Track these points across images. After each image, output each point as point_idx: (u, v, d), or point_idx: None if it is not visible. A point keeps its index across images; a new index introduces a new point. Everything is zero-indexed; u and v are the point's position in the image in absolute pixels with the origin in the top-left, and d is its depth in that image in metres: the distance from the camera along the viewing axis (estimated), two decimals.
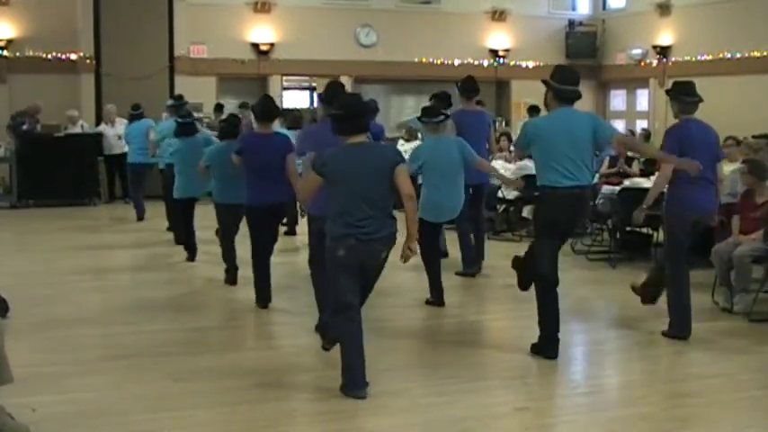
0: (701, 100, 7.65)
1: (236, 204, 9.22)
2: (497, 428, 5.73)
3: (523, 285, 7.42)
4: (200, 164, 9.71)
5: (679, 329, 7.66)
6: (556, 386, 6.65)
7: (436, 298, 8.81)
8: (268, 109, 8.66)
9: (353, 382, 6.07)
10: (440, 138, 8.90)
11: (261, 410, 5.98)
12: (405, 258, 6.11)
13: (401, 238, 6.16)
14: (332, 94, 7.24)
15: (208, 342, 7.69)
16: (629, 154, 15.92)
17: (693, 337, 7.65)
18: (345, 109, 6.09)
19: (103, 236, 14.09)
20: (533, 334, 7.10)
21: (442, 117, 8.90)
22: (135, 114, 15.39)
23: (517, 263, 7.47)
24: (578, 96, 7.01)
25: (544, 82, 7.03)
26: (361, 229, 5.92)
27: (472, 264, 10.39)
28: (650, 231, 11.67)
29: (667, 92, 7.82)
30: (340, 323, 6.13)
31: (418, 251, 6.41)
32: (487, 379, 6.68)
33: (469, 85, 10.76)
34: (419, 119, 9.20)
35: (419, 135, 14.57)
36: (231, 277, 9.81)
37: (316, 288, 7.58)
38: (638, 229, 11.52)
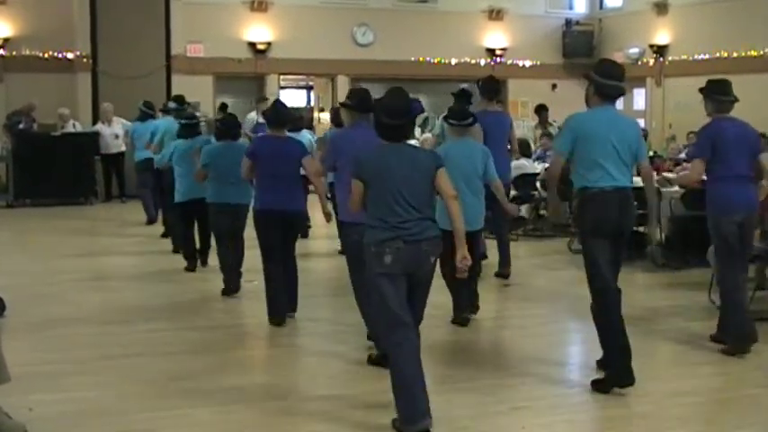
0: (736, 99, 7.39)
1: (230, 204, 9.20)
2: (495, 427, 5.72)
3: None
4: (198, 166, 9.48)
5: (742, 341, 7.22)
6: (553, 385, 6.63)
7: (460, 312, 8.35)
8: (279, 115, 8.46)
9: (414, 411, 5.43)
10: (464, 141, 8.38)
11: (259, 410, 5.98)
12: (461, 270, 5.68)
13: None
14: (360, 100, 7.12)
15: (206, 342, 7.67)
16: None
17: (690, 335, 7.65)
18: (397, 118, 5.70)
19: (101, 235, 14.09)
20: (531, 333, 7.10)
21: (471, 120, 8.40)
22: (148, 113, 14.80)
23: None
24: (623, 92, 6.54)
25: (586, 75, 6.55)
26: (407, 230, 5.48)
27: (509, 264, 10.29)
28: (646, 230, 11.66)
29: (701, 90, 7.46)
30: (395, 342, 5.51)
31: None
32: (485, 378, 6.67)
33: (491, 86, 10.47)
34: (446, 120, 8.65)
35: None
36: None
37: (359, 302, 7.15)
38: (634, 228, 11.50)
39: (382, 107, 5.76)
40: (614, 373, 6.33)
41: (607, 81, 6.42)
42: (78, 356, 7.17)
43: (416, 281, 5.60)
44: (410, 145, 6.04)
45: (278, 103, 8.86)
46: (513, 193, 13.22)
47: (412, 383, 5.42)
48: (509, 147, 10.76)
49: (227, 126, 9.72)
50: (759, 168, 7.54)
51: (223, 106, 18.23)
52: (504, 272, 10.26)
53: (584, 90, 6.61)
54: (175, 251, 11.87)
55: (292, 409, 6.08)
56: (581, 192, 6.39)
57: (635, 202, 6.55)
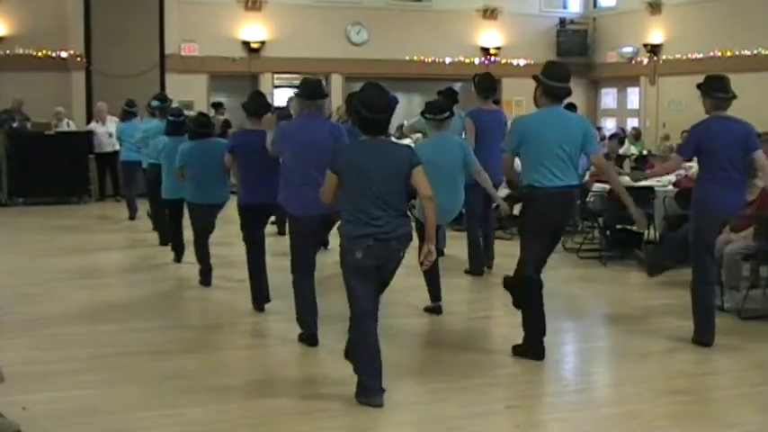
0: (734, 96, 7.30)
1: (209, 204, 9.23)
2: (488, 426, 5.72)
3: (518, 303, 7.18)
4: (176, 166, 9.51)
5: (702, 335, 7.41)
6: (547, 384, 6.65)
7: (433, 300, 8.52)
8: (259, 105, 8.47)
9: (370, 389, 5.92)
10: (442, 135, 8.49)
11: (251, 408, 5.98)
12: (425, 264, 6.00)
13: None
14: (312, 90, 7.25)
15: (198, 341, 7.67)
16: (620, 152, 15.98)
17: (683, 333, 7.65)
18: (379, 113, 5.76)
19: (94, 234, 14.05)
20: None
21: (446, 114, 8.51)
22: (131, 111, 15.03)
23: (509, 282, 7.25)
24: (568, 93, 6.82)
25: (535, 78, 6.83)
26: (379, 228, 5.72)
27: (480, 265, 10.21)
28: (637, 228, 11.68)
29: (699, 86, 7.36)
30: (357, 330, 5.98)
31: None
32: (479, 377, 6.67)
33: (487, 83, 10.36)
34: (422, 114, 8.74)
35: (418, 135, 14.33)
36: (206, 279, 9.73)
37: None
38: (628, 227, 11.53)
39: (362, 101, 5.80)
40: (525, 345, 6.98)
41: (554, 83, 6.73)
42: (72, 355, 7.16)
43: (387, 272, 5.97)
44: (388, 141, 6.19)
45: (256, 93, 8.85)
46: (506, 191, 13.21)
47: (368, 366, 5.93)
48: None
49: (198, 125, 9.70)
50: (752, 165, 7.39)
51: (216, 105, 18.19)
52: (474, 271, 10.21)
53: (533, 91, 6.89)
54: (163, 243, 11.91)
55: (286, 407, 6.08)
56: (527, 190, 6.73)
57: (577, 201, 6.81)
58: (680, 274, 10.43)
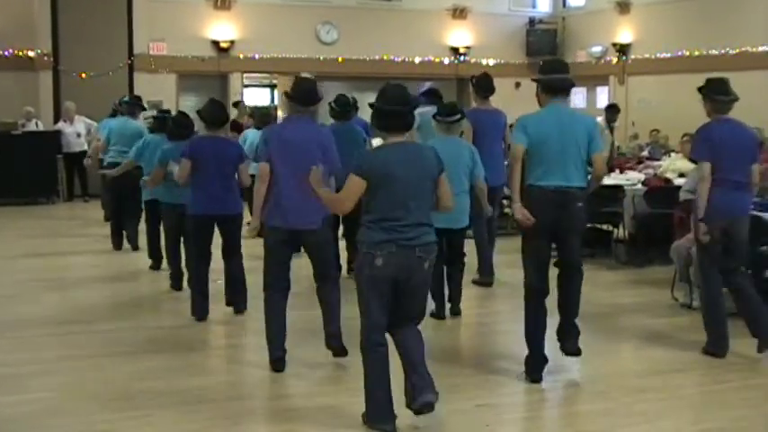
0: (736, 98, 7.05)
1: (183, 205, 8.88)
2: (459, 425, 5.72)
3: None
4: (156, 169, 9.18)
5: (716, 346, 7.16)
6: (516, 383, 6.64)
7: (437, 311, 8.29)
8: (215, 114, 8.23)
9: (380, 414, 5.53)
10: (451, 138, 8.15)
11: (221, 409, 5.95)
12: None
13: None
14: (303, 93, 6.78)
15: (168, 342, 7.62)
16: None
17: (653, 332, 7.69)
18: (396, 104, 5.42)
19: (62, 235, 13.94)
20: (494, 330, 7.09)
21: (458, 116, 8.21)
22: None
23: None
24: (570, 84, 6.49)
25: (533, 79, 6.54)
26: (403, 235, 5.30)
27: (491, 272, 9.85)
28: (610, 228, 11.73)
29: (699, 89, 7.12)
30: (370, 346, 5.46)
31: None
32: (448, 376, 6.64)
33: (486, 84, 10.07)
34: (434, 116, 8.32)
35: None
36: (176, 283, 9.57)
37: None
38: (598, 226, 11.56)
39: (380, 97, 5.50)
40: (527, 362, 6.57)
41: (551, 75, 6.43)
42: (40, 357, 7.11)
43: (411, 287, 5.44)
44: (415, 144, 5.78)
45: (213, 101, 8.60)
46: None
47: (378, 389, 5.49)
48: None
49: (180, 126, 9.44)
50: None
51: (235, 104, 17.72)
52: (484, 280, 9.82)
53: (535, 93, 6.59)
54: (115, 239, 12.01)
55: (255, 409, 6.08)
56: (526, 189, 6.41)
57: (580, 203, 6.41)
58: (650, 272, 10.52)
